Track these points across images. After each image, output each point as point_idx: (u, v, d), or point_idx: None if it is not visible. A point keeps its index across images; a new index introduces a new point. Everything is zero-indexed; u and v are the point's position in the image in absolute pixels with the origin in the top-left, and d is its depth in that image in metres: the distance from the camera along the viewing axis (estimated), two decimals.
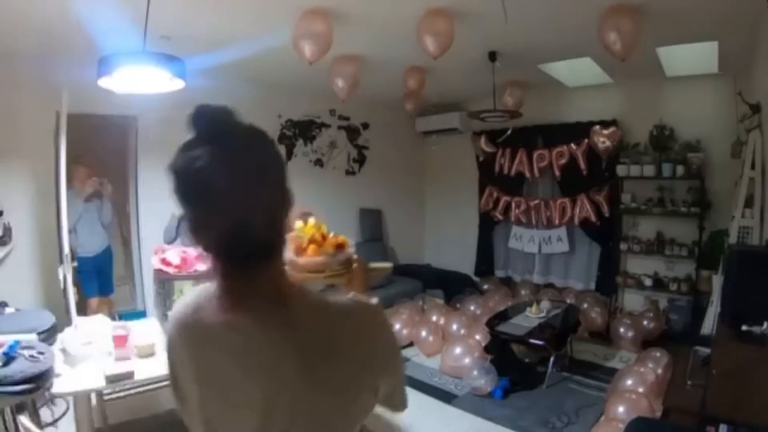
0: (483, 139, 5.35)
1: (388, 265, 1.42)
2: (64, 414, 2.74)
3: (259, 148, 0.70)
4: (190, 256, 2.19)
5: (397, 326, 4.16)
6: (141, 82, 2.00)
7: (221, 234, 0.66)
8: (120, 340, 1.93)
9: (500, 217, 5.46)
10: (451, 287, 5.28)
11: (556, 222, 4.98)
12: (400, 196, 6.17)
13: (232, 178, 0.63)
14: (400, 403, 0.82)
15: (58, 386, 1.68)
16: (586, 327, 4.26)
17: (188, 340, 0.74)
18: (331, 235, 1.18)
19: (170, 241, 3.13)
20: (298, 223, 1.17)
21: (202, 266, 2.17)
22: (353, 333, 0.72)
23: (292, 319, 0.68)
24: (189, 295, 0.79)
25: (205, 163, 0.63)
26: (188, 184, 0.65)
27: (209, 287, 0.74)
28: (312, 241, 1.12)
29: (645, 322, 4.14)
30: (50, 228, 3.44)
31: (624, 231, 4.59)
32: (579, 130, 4.67)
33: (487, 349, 3.59)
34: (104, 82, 1.91)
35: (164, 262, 2.13)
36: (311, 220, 1.18)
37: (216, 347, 0.70)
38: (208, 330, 0.71)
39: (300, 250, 1.11)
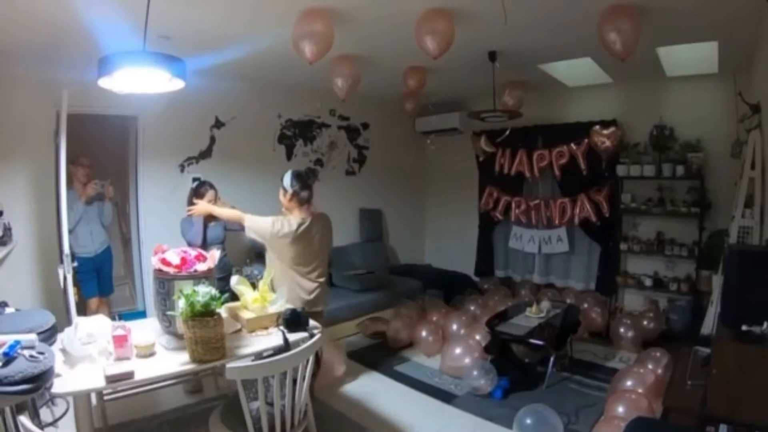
0: (483, 139, 5.35)
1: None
2: (64, 414, 2.74)
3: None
4: (189, 256, 2.19)
5: (397, 326, 4.18)
6: (141, 82, 2.00)
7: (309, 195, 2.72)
8: (120, 340, 1.93)
9: (500, 217, 5.46)
10: (451, 287, 5.27)
11: (556, 222, 4.97)
12: (400, 196, 6.17)
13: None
14: None
15: (58, 386, 1.67)
16: (586, 327, 4.26)
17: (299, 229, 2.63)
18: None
19: (201, 244, 3.10)
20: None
21: (202, 266, 2.17)
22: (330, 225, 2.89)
23: (322, 218, 2.80)
24: (294, 218, 2.63)
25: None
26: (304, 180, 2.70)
27: (295, 216, 2.66)
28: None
29: (645, 322, 4.14)
30: (50, 228, 3.44)
31: (624, 231, 4.59)
32: (579, 130, 4.67)
33: (487, 349, 3.59)
34: (104, 82, 1.91)
35: (164, 262, 2.13)
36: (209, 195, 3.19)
37: (307, 229, 2.65)
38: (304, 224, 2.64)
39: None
